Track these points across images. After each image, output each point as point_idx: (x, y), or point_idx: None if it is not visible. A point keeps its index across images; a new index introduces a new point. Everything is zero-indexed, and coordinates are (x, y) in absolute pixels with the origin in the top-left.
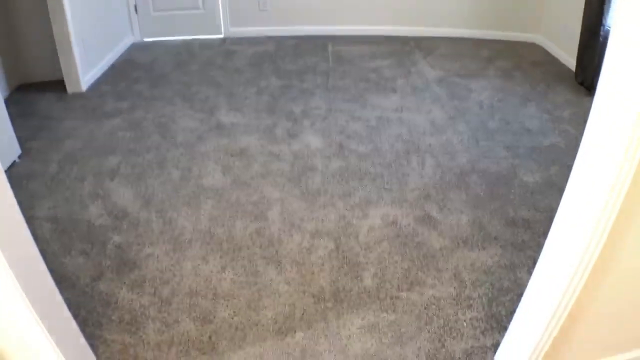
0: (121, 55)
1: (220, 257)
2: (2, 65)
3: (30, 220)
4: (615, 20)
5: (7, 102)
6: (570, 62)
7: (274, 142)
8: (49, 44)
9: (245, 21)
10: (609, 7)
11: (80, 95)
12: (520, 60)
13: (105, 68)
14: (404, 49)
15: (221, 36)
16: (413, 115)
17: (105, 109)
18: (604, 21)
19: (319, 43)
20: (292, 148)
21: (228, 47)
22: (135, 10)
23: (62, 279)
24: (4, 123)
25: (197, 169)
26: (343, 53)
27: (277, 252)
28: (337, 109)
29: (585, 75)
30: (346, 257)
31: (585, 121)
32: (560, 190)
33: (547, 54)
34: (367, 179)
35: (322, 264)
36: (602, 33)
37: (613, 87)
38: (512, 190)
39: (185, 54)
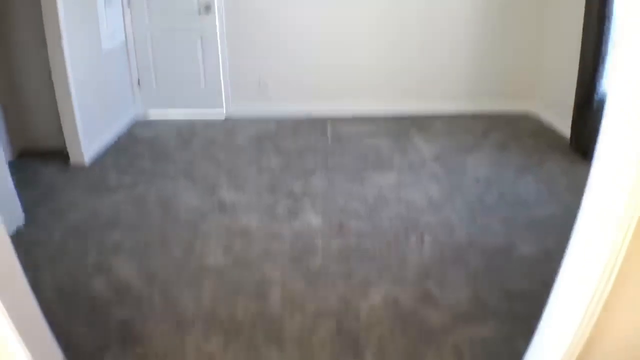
0: (124, 130)
1: (222, 336)
2: (7, 132)
3: (34, 288)
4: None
5: (11, 167)
6: (565, 130)
7: (275, 221)
8: (54, 110)
9: (247, 99)
10: (602, 72)
11: (82, 168)
12: (515, 132)
13: (108, 141)
14: (401, 127)
15: (223, 112)
16: (411, 193)
17: (108, 183)
18: (597, 86)
19: (318, 122)
20: (293, 227)
21: (229, 126)
22: (139, 83)
23: (67, 349)
24: (9, 189)
25: (198, 248)
26: (342, 132)
27: (278, 332)
28: (336, 188)
29: (580, 141)
30: (347, 337)
31: (581, 189)
32: (557, 260)
33: (541, 124)
34: (367, 258)
35: (324, 344)
36: (596, 98)
37: (614, 135)
38: (510, 263)
39: (188, 132)
